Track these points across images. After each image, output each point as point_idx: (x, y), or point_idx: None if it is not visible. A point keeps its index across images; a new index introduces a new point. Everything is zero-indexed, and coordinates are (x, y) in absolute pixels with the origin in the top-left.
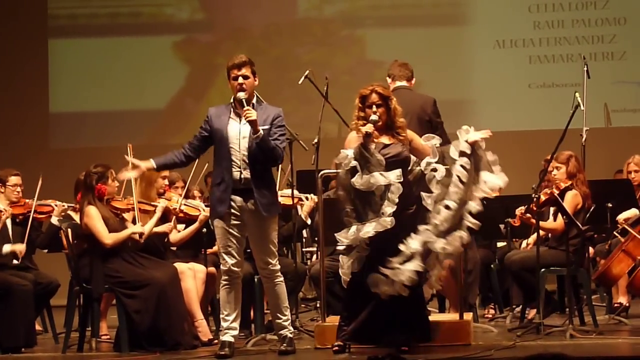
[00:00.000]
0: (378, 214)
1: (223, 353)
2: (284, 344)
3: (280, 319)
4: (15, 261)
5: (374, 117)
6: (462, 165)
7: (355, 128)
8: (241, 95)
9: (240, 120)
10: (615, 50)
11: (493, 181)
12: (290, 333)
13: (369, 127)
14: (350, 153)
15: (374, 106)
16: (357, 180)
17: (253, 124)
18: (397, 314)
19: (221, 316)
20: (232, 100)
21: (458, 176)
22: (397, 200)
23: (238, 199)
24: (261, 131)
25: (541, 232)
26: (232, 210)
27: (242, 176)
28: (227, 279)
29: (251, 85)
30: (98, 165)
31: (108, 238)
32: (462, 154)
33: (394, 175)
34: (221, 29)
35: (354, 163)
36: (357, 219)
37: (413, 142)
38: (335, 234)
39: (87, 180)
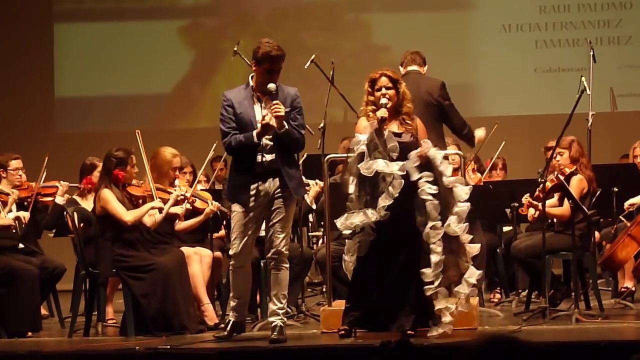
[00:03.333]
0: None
1: (221, 335)
2: (275, 333)
3: (276, 305)
4: (20, 245)
5: (384, 100)
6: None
7: (364, 114)
8: (272, 87)
9: (262, 104)
10: (621, 35)
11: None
12: (282, 322)
13: (384, 112)
14: (364, 138)
15: (383, 89)
16: (362, 166)
17: (280, 119)
18: (403, 299)
19: (230, 298)
20: (250, 82)
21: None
22: (396, 194)
23: (261, 182)
24: (286, 126)
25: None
26: (254, 195)
27: (265, 159)
28: (235, 266)
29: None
30: (120, 149)
31: (127, 215)
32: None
33: (397, 167)
34: (227, 13)
35: (362, 148)
36: (360, 205)
37: (419, 134)
38: (335, 220)
39: (107, 164)
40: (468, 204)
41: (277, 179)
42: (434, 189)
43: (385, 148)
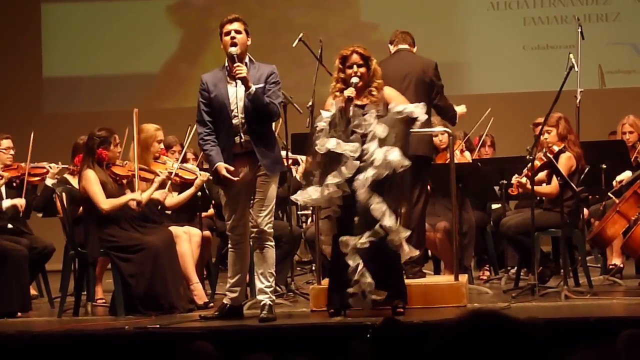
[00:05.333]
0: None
1: (207, 315)
2: (264, 311)
3: (263, 283)
4: (9, 225)
5: (355, 79)
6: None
7: (333, 91)
8: (233, 50)
9: (236, 83)
10: (610, 12)
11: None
12: (271, 300)
13: (351, 92)
14: (327, 115)
15: (355, 66)
16: (320, 143)
17: (244, 80)
18: (380, 276)
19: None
20: (225, 63)
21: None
22: (348, 175)
23: (241, 163)
24: (253, 87)
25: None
26: (236, 177)
27: (242, 140)
28: (232, 243)
29: (244, 41)
30: (102, 129)
31: (105, 203)
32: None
33: (351, 147)
34: None
35: (323, 125)
36: (319, 182)
37: (391, 103)
38: (293, 196)
39: (89, 144)
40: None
41: (252, 158)
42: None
43: (344, 128)
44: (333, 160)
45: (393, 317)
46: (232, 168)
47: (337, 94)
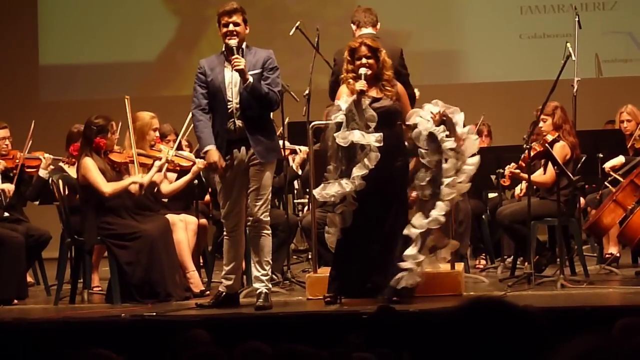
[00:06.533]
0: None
1: (203, 303)
2: (260, 299)
3: (259, 272)
4: (6, 213)
5: (363, 70)
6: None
7: (345, 81)
8: (232, 42)
9: (233, 69)
10: (606, 0)
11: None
12: (267, 288)
13: (362, 85)
14: (344, 106)
15: (363, 58)
16: (339, 135)
17: (241, 73)
18: (387, 267)
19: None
20: (223, 49)
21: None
22: (371, 166)
23: (236, 150)
24: (251, 79)
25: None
26: (230, 163)
27: (237, 126)
28: (227, 230)
29: (242, 32)
30: (99, 117)
31: (107, 187)
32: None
33: (374, 138)
34: None
35: (341, 118)
36: (338, 175)
37: (400, 98)
38: (313, 190)
39: (87, 132)
40: (477, 157)
41: (246, 145)
42: (452, 144)
43: (362, 119)
44: (349, 152)
45: (388, 305)
46: (222, 163)
47: (351, 81)
